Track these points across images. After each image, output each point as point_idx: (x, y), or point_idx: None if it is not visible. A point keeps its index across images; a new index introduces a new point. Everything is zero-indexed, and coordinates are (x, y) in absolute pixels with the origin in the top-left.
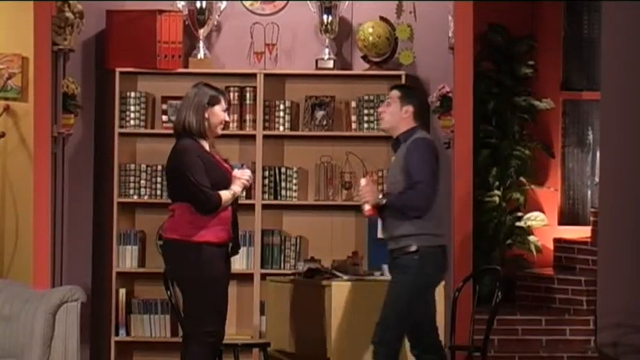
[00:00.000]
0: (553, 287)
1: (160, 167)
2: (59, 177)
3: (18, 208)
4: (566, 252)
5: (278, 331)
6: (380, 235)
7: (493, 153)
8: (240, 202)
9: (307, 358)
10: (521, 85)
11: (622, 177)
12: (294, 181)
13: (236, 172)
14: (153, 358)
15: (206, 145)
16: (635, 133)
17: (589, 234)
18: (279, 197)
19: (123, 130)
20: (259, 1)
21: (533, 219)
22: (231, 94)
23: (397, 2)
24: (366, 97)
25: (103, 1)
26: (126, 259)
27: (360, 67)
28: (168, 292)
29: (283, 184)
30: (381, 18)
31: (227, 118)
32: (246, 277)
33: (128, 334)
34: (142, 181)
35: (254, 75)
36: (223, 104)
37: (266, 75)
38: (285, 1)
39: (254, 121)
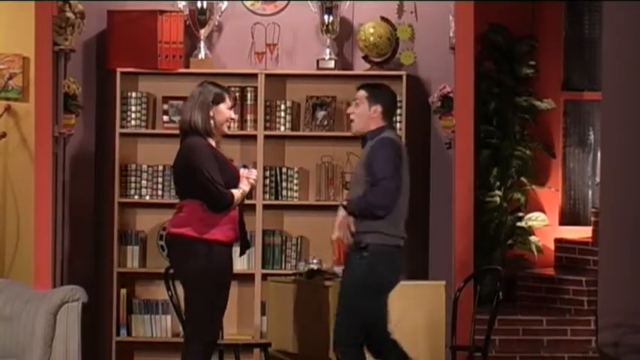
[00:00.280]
0: (554, 287)
1: (161, 167)
2: (60, 177)
3: (19, 208)
4: (567, 252)
5: (279, 331)
6: None
7: (494, 153)
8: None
9: (308, 358)
10: (522, 85)
11: (623, 177)
12: (295, 181)
13: (243, 172)
14: (154, 358)
15: (213, 144)
16: (636, 133)
17: (590, 234)
18: (280, 197)
19: (124, 131)
20: (260, 1)
21: (534, 219)
22: None
23: (398, 2)
24: None
25: (103, 1)
26: (127, 259)
27: (361, 67)
28: (169, 292)
29: (284, 184)
30: (382, 18)
31: (233, 116)
32: (247, 278)
33: (129, 334)
34: (143, 182)
35: (255, 75)
36: (228, 102)
37: (267, 75)
38: (286, 1)
39: (255, 121)
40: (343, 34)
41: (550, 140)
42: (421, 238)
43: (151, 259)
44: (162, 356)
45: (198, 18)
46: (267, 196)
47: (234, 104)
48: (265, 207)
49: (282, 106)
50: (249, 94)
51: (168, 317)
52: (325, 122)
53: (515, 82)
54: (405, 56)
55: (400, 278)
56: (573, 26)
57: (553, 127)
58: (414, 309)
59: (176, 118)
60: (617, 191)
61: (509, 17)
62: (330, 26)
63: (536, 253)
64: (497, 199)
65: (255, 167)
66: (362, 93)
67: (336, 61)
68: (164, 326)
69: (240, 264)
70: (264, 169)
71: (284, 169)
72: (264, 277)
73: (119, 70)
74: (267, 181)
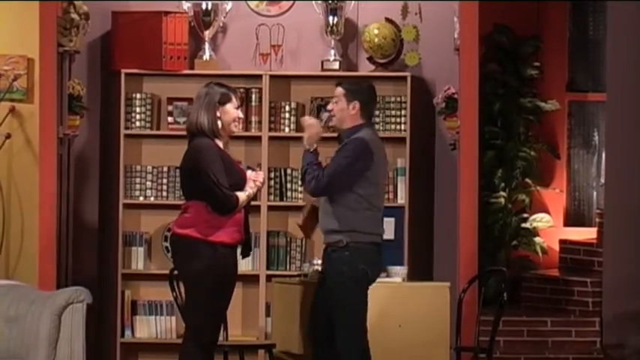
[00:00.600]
0: (559, 289)
1: (165, 169)
2: (65, 178)
3: (23, 209)
4: (572, 253)
5: (283, 332)
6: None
7: (498, 154)
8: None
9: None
10: (527, 87)
11: (627, 178)
12: (300, 182)
13: (250, 174)
14: None
15: (221, 145)
16: None
17: (595, 235)
18: (284, 198)
19: (128, 132)
20: (265, 1)
21: (539, 220)
22: None
23: (402, 3)
24: None
25: (108, 0)
26: (131, 260)
27: (365, 68)
28: (174, 294)
29: (289, 185)
30: (387, 19)
31: (240, 115)
32: (251, 279)
33: (133, 335)
34: (148, 183)
35: (259, 76)
36: (235, 102)
37: (271, 76)
38: (291, 1)
39: (260, 122)
40: (348, 36)
41: (555, 141)
42: (426, 239)
43: (155, 260)
44: (167, 357)
45: (202, 19)
46: (271, 197)
47: (240, 104)
48: (270, 208)
49: (287, 107)
50: (253, 96)
51: (173, 318)
52: (330, 123)
53: (520, 83)
54: (410, 57)
55: (379, 274)
56: (578, 27)
57: (558, 129)
58: (419, 310)
59: (181, 120)
60: (622, 192)
61: (513, 18)
62: (334, 27)
63: (540, 254)
64: (502, 200)
65: (260, 169)
66: (339, 90)
67: (340, 63)
68: (169, 327)
69: (244, 265)
70: (269, 170)
71: (289, 171)
72: (269, 278)
73: (124, 71)
74: (272, 183)
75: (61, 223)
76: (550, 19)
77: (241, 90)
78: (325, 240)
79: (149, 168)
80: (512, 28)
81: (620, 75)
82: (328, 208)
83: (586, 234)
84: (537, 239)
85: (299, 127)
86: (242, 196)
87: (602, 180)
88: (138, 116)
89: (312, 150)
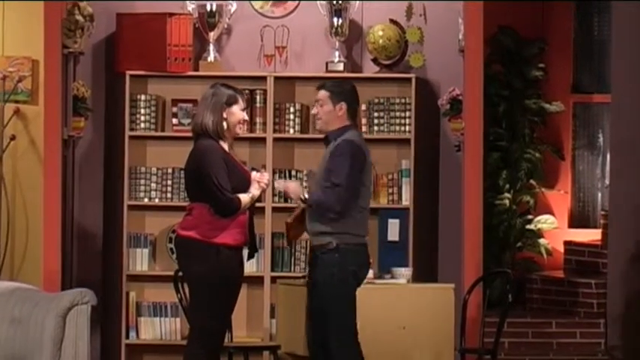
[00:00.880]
0: (563, 290)
1: (170, 170)
2: (69, 180)
3: (28, 210)
4: (577, 255)
5: (288, 333)
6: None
7: (503, 156)
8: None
9: None
10: (532, 88)
11: (632, 179)
12: (305, 183)
13: (255, 176)
14: None
15: (225, 147)
16: None
17: (599, 237)
18: (289, 200)
19: (133, 133)
20: (270, 2)
21: (544, 222)
22: None
23: (407, 3)
24: (376, 100)
25: (113, 2)
26: (136, 261)
27: (370, 69)
28: (179, 295)
29: None
30: (391, 21)
31: (246, 117)
32: (256, 280)
33: (138, 336)
34: (153, 184)
35: (264, 78)
36: (241, 103)
37: (276, 78)
38: (295, 2)
39: (264, 123)
40: (352, 37)
41: (559, 143)
42: (430, 241)
43: (160, 261)
44: (172, 359)
45: (207, 20)
46: (276, 198)
47: (246, 106)
48: (274, 209)
49: (292, 109)
50: (258, 97)
51: (178, 320)
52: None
53: (525, 84)
54: (414, 59)
55: (366, 275)
56: (583, 28)
57: (562, 130)
58: (423, 311)
59: (185, 121)
60: (627, 193)
61: (518, 19)
62: (339, 29)
63: (545, 255)
64: (507, 201)
65: (265, 170)
66: (323, 93)
67: (345, 64)
68: (173, 329)
69: (249, 267)
70: (274, 172)
71: (293, 172)
72: (274, 279)
73: (128, 72)
74: (277, 184)
75: (65, 225)
76: (555, 21)
77: (246, 91)
78: (313, 242)
79: (154, 169)
80: (517, 29)
81: (625, 76)
82: (316, 211)
83: (591, 235)
84: (542, 241)
85: (304, 129)
86: (245, 197)
87: (607, 181)
88: (142, 118)
89: (307, 196)
